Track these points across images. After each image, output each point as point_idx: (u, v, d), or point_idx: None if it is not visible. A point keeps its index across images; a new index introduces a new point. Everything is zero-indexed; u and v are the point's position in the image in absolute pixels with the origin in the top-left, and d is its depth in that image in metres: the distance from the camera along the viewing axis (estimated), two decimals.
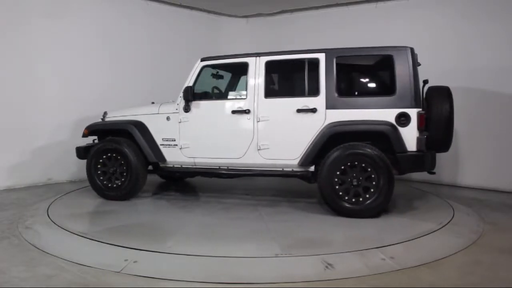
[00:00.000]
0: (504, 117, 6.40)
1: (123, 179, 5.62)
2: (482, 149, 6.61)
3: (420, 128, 4.61)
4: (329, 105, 4.87)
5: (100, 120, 6.10)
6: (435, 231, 4.22)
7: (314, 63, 4.99)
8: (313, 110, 4.90)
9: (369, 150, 4.65)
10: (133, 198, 5.72)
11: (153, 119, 5.72)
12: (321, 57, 4.97)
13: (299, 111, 4.95)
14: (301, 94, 5.07)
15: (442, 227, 4.37)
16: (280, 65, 5.28)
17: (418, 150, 4.60)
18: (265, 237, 4.09)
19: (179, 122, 5.53)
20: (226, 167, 5.38)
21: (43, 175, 6.90)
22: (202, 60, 5.49)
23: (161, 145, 5.64)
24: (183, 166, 5.61)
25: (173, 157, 5.61)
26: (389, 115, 4.66)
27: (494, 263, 3.53)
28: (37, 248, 3.80)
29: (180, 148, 5.54)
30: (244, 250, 3.75)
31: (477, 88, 6.58)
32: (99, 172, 5.74)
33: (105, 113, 6.09)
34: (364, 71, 5.27)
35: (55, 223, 4.48)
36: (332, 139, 4.78)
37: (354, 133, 4.75)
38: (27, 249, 3.80)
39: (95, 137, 6.08)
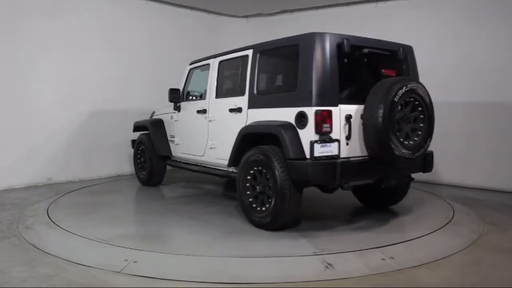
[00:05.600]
0: (504, 117, 6.39)
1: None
2: (482, 149, 6.61)
3: (318, 130, 3.84)
4: (250, 104, 4.55)
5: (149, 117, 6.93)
6: (435, 231, 4.22)
7: (246, 60, 4.71)
8: (239, 110, 4.68)
9: (259, 155, 4.17)
10: (161, 184, 6.74)
11: (166, 117, 6.36)
12: (250, 53, 4.67)
13: (231, 110, 4.81)
14: (234, 93, 4.90)
15: (442, 227, 4.37)
16: (227, 65, 5.20)
17: (311, 157, 3.82)
18: (140, 228, 4.56)
19: (175, 121, 6.04)
20: (199, 164, 5.61)
21: (43, 175, 6.90)
22: (190, 63, 5.94)
23: (169, 141, 6.21)
24: (181, 160, 6.08)
25: (174, 152, 6.18)
26: (290, 114, 4.03)
27: (494, 263, 3.53)
28: (37, 248, 3.80)
29: (176, 144, 6.05)
30: (92, 233, 4.09)
31: (477, 87, 6.59)
32: (138, 161, 6.78)
33: (153, 113, 6.87)
34: (278, 66, 4.74)
35: (55, 223, 4.48)
36: (250, 141, 4.42)
37: (261, 135, 4.32)
38: (27, 249, 3.80)
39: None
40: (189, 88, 5.95)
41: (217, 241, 3.96)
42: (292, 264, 3.44)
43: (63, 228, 4.30)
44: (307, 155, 3.85)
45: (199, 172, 5.63)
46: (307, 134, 3.88)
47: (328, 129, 3.86)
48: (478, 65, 6.55)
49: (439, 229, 4.29)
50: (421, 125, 4.16)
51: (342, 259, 3.49)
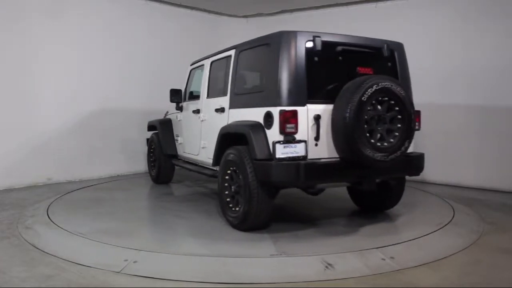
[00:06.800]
0: (504, 117, 6.40)
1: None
2: (482, 149, 6.61)
3: (282, 131, 3.73)
4: (231, 104, 4.53)
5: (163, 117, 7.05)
6: (435, 231, 4.22)
7: (229, 60, 4.73)
8: (222, 110, 4.69)
9: (233, 155, 4.15)
10: (172, 182, 6.96)
11: (173, 117, 6.47)
12: (233, 53, 4.67)
13: (216, 110, 4.83)
14: (220, 93, 4.88)
15: (442, 227, 4.37)
16: (217, 66, 5.22)
17: (273, 158, 3.69)
18: (112, 222, 4.56)
19: (179, 121, 6.14)
20: (196, 163, 5.68)
21: (43, 175, 6.90)
22: (191, 64, 6.05)
23: (175, 140, 6.30)
24: (184, 159, 6.16)
25: (179, 151, 6.30)
26: (260, 114, 3.95)
27: (494, 263, 3.53)
28: (37, 248, 3.80)
29: (179, 144, 6.17)
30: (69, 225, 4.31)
31: (477, 87, 6.59)
32: (150, 159, 6.96)
33: (166, 112, 6.95)
34: (254, 66, 4.64)
35: (55, 223, 4.48)
36: (229, 141, 4.36)
37: (235, 135, 4.24)
38: (27, 249, 3.80)
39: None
40: (190, 88, 6.02)
41: (176, 240, 4.03)
42: (292, 264, 3.44)
43: (63, 228, 4.29)
44: (277, 155, 3.74)
45: (194, 171, 5.66)
46: (273, 134, 3.81)
47: (292, 130, 3.73)
48: (478, 65, 6.54)
49: (439, 229, 4.29)
50: (399, 125, 3.89)
51: (342, 259, 3.48)
